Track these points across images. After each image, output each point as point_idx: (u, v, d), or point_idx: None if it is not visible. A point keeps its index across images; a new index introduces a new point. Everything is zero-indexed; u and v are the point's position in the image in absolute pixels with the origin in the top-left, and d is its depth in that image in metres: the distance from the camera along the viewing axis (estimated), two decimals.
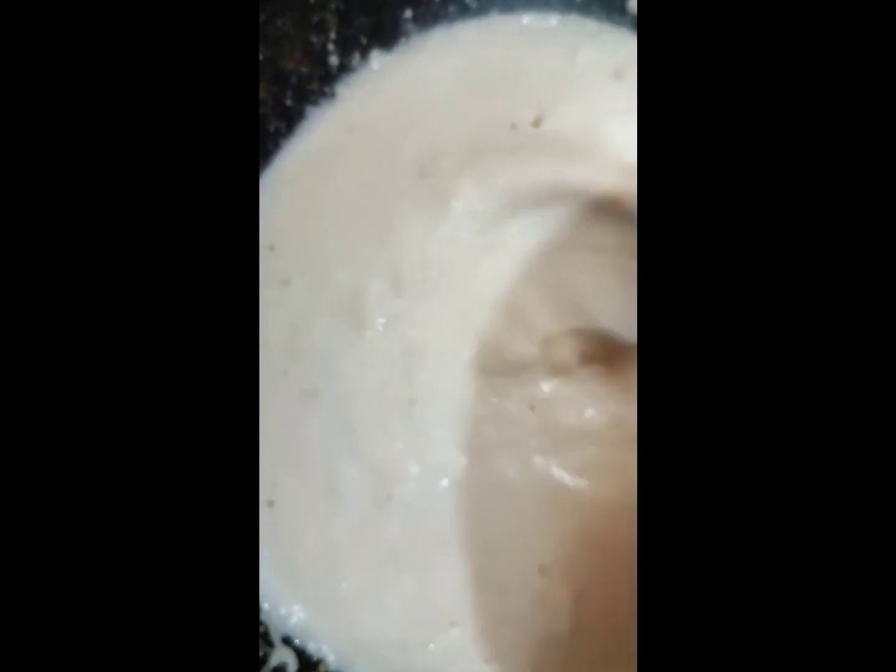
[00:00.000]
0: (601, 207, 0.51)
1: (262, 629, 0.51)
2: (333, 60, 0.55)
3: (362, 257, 0.52)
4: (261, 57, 0.53)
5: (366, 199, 0.53)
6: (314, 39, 0.54)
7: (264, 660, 0.50)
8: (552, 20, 0.55)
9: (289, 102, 0.55)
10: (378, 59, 0.55)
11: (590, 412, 0.51)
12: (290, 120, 0.55)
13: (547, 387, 0.51)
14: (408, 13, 0.55)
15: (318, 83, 0.55)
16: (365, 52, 0.55)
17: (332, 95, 0.55)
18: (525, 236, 0.52)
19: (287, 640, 0.51)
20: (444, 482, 0.50)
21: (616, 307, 0.51)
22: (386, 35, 0.55)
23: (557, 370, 0.52)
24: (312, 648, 0.51)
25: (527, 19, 0.55)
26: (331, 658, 0.50)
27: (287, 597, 0.51)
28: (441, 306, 0.51)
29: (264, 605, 0.51)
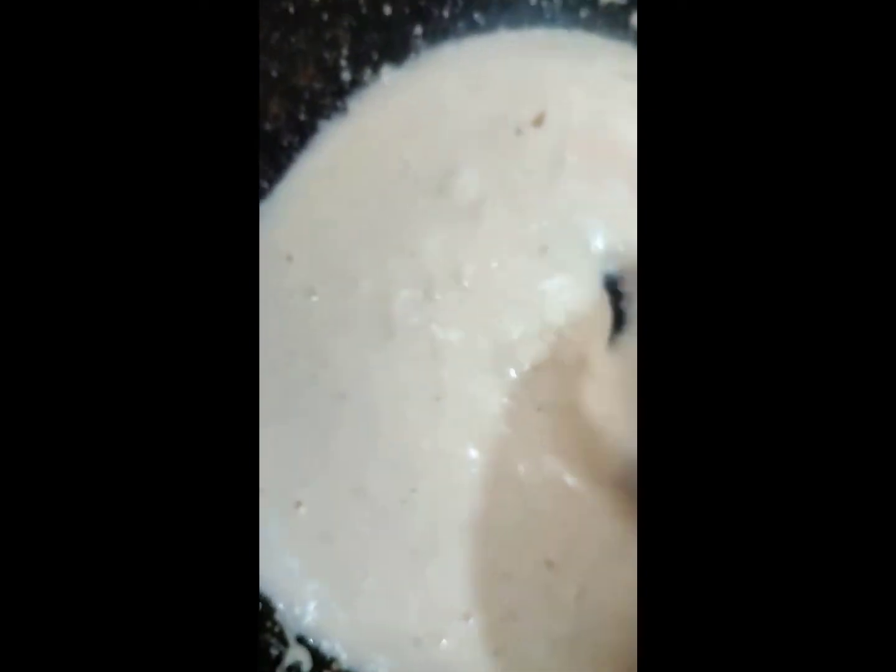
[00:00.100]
0: None
1: (276, 629, 0.51)
2: (346, 76, 0.56)
3: (389, 267, 0.53)
4: (274, 73, 0.54)
5: (382, 210, 0.54)
6: (327, 56, 0.55)
7: (279, 659, 0.51)
8: (558, 35, 0.56)
9: (302, 117, 0.56)
10: (389, 75, 0.56)
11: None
12: (304, 134, 0.56)
13: (558, 388, 0.52)
14: (418, 30, 0.56)
15: (330, 98, 0.56)
16: (376, 68, 0.56)
17: (345, 110, 0.56)
18: None
19: (301, 639, 0.51)
20: (462, 479, 0.51)
21: None
22: (396, 51, 0.56)
23: (569, 371, 0.52)
24: (326, 647, 0.51)
25: (533, 34, 0.56)
26: (344, 656, 0.51)
27: (307, 595, 0.51)
28: (468, 308, 0.52)
29: (279, 605, 0.51)
